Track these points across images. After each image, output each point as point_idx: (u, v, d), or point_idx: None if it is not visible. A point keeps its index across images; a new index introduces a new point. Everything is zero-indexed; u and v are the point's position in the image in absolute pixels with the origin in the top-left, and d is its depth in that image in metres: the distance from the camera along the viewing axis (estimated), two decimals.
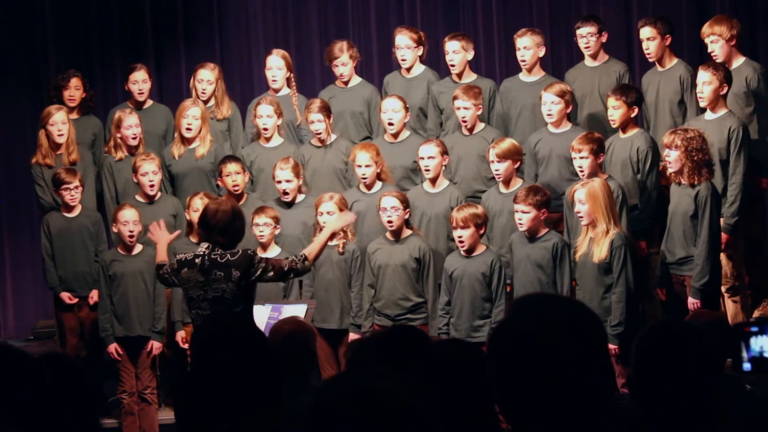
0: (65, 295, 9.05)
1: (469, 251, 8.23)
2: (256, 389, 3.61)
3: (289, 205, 8.93)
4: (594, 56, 9.31)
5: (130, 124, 9.32)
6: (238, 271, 6.86)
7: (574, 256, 8.04)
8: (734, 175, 8.36)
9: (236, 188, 8.93)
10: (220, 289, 6.88)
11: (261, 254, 8.58)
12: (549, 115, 8.79)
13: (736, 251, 8.47)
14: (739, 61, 8.86)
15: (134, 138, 9.33)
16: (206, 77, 9.67)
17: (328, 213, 8.53)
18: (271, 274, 7.03)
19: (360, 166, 8.81)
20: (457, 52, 9.39)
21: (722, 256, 8.39)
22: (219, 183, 9.06)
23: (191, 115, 9.31)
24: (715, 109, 8.47)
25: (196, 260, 6.94)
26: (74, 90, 9.74)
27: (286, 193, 8.86)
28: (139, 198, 9.07)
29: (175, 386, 7.27)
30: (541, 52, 9.34)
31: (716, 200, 8.03)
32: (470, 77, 9.45)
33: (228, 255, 6.90)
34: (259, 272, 6.94)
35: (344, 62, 9.62)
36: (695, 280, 7.95)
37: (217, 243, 6.94)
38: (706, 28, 8.94)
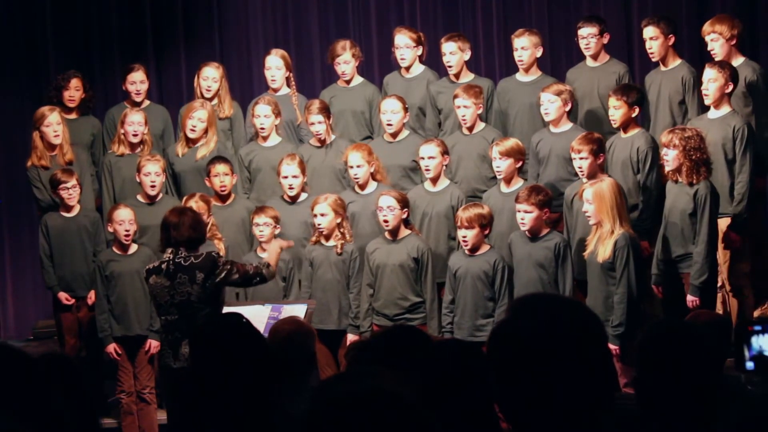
0: (63, 296, 9.04)
1: (473, 250, 8.24)
2: (255, 389, 3.61)
3: (293, 201, 8.94)
4: (594, 57, 9.31)
5: (133, 121, 9.32)
6: (202, 273, 7.03)
7: (583, 254, 8.02)
8: (741, 173, 8.37)
9: (223, 189, 8.95)
10: (185, 293, 7.04)
11: (261, 254, 8.60)
12: (546, 113, 8.81)
13: (742, 250, 8.48)
14: (738, 60, 8.85)
15: (135, 135, 9.33)
16: (211, 75, 9.68)
17: (321, 215, 8.54)
18: (236, 276, 7.19)
19: (351, 167, 8.82)
20: (453, 53, 9.39)
21: (730, 255, 8.41)
22: (207, 182, 9.05)
23: (197, 117, 9.32)
24: (718, 107, 8.47)
25: (162, 266, 7.14)
26: (74, 91, 9.74)
27: (291, 188, 8.87)
28: (140, 198, 9.06)
29: (173, 387, 7.28)
30: (539, 53, 9.34)
31: (715, 199, 8.04)
32: (468, 77, 9.45)
33: (192, 258, 7.08)
34: (223, 274, 7.11)
35: (346, 60, 9.63)
36: (695, 278, 7.96)
37: (177, 245, 7.10)
38: (707, 27, 8.95)
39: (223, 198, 9.00)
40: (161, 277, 7.10)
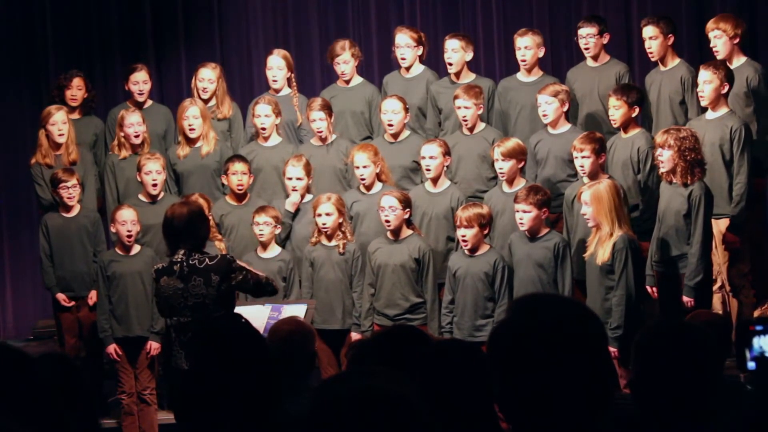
0: (61, 297, 9.04)
1: (473, 250, 8.24)
2: (254, 390, 3.61)
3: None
4: (594, 57, 9.30)
5: (132, 123, 9.32)
6: (217, 276, 6.86)
7: (584, 256, 8.02)
8: (739, 174, 8.36)
9: (240, 188, 8.95)
10: (200, 295, 6.86)
11: (261, 254, 8.61)
12: (545, 115, 8.81)
13: (741, 251, 8.48)
14: (740, 60, 8.86)
15: (137, 136, 9.33)
16: (207, 76, 9.68)
17: (327, 214, 8.53)
18: (251, 285, 7.04)
19: (358, 167, 8.82)
20: (455, 51, 9.39)
21: (729, 255, 8.41)
22: (223, 180, 9.08)
23: (191, 115, 9.32)
24: (716, 108, 8.47)
25: (174, 267, 6.92)
26: (76, 90, 9.74)
27: (294, 190, 8.86)
28: (141, 197, 9.06)
29: (172, 388, 7.27)
30: (541, 53, 9.34)
31: (709, 200, 8.05)
32: (469, 77, 9.45)
33: (207, 260, 6.90)
34: (239, 279, 6.95)
35: (346, 60, 9.63)
36: (689, 279, 7.96)
37: (186, 247, 6.92)
38: (710, 24, 8.94)
39: (239, 197, 8.99)
40: (174, 278, 6.90)
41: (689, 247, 7.99)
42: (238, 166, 8.94)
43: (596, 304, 7.73)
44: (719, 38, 8.87)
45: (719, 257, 8.38)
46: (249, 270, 7.09)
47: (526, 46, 9.28)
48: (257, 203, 8.97)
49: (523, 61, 9.31)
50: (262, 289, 7.17)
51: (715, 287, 8.35)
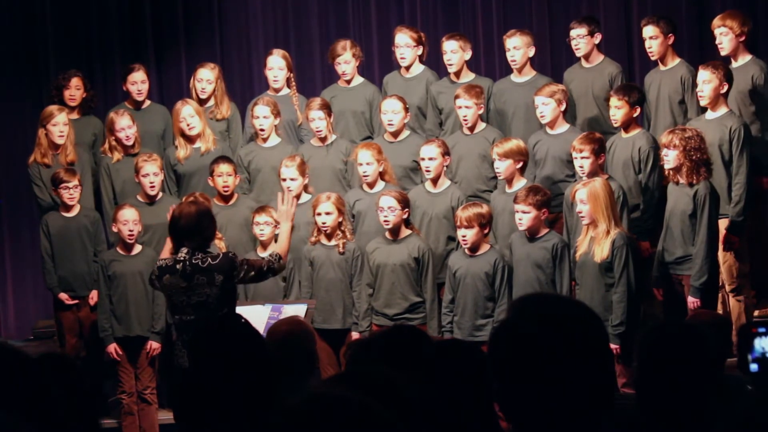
0: (63, 296, 9.04)
1: (473, 250, 8.24)
2: (254, 390, 3.61)
3: None
4: (586, 58, 9.30)
5: (123, 126, 9.30)
6: (221, 276, 6.82)
7: (575, 256, 8.04)
8: (738, 174, 8.35)
9: (226, 189, 8.95)
10: (203, 294, 6.83)
11: (261, 253, 8.60)
12: (542, 116, 8.81)
13: (741, 251, 8.48)
14: (745, 58, 8.85)
15: (128, 139, 9.32)
16: (206, 77, 9.68)
17: (327, 213, 8.53)
18: (252, 274, 7.02)
19: (361, 164, 8.81)
20: (454, 51, 9.39)
21: (729, 256, 8.40)
22: (210, 182, 9.05)
23: (187, 114, 9.31)
24: (715, 108, 8.47)
25: (177, 266, 6.88)
26: (75, 90, 9.74)
27: (290, 190, 8.84)
28: (139, 198, 9.06)
29: (173, 387, 7.27)
30: (531, 52, 9.33)
31: (714, 199, 8.04)
32: (468, 77, 9.46)
33: (209, 259, 6.86)
34: (242, 274, 6.94)
35: (347, 60, 9.63)
36: (694, 279, 7.95)
37: (191, 246, 6.89)
38: (717, 21, 8.92)
39: (225, 198, 8.99)
40: (176, 277, 6.86)
41: (693, 248, 7.98)
42: (223, 168, 8.93)
43: (594, 303, 7.73)
44: (725, 35, 8.84)
45: (719, 257, 8.38)
46: (249, 261, 7.08)
47: (515, 46, 9.29)
48: (245, 203, 9.00)
49: (513, 61, 9.32)
50: (263, 276, 7.17)
51: None
